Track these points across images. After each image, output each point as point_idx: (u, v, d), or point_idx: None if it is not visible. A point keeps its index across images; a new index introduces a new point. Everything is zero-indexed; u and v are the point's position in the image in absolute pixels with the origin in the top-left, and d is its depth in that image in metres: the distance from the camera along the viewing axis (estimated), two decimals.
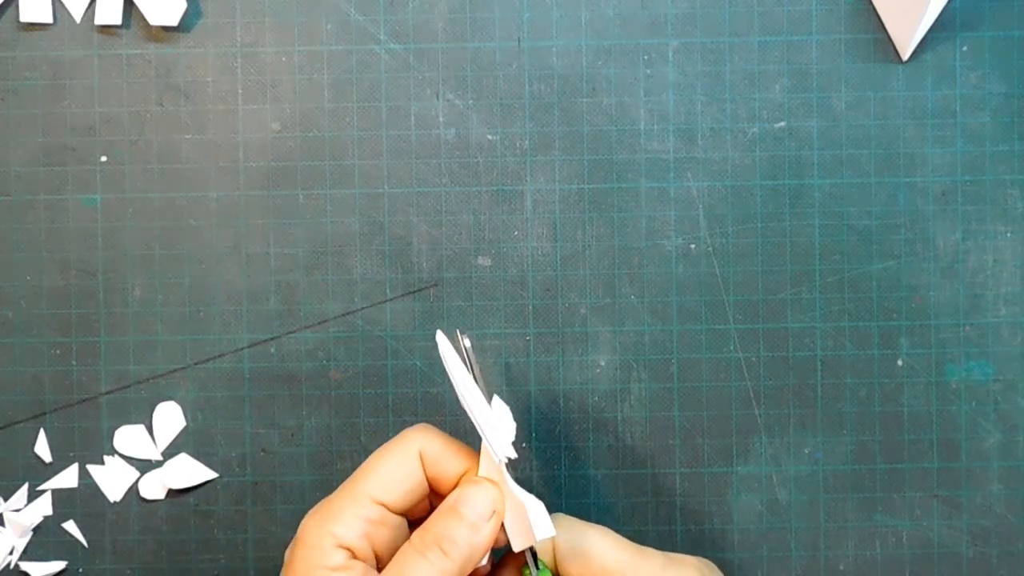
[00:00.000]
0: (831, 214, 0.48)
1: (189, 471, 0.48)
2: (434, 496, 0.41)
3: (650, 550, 0.40)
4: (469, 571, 0.39)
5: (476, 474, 0.40)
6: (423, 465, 0.40)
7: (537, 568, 0.39)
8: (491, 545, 0.39)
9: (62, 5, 0.48)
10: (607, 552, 0.40)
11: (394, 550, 0.39)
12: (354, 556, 0.38)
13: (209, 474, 0.48)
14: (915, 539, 0.48)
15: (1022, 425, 0.48)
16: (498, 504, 0.39)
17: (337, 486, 0.39)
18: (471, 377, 0.40)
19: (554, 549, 0.40)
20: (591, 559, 0.40)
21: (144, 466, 0.48)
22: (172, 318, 0.48)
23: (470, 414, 0.40)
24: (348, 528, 0.38)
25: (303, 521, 0.39)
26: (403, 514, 0.40)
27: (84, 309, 0.48)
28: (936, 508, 0.48)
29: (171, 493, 0.48)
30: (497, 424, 0.40)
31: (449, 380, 0.41)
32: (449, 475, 0.40)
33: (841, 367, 0.48)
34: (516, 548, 0.39)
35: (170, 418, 0.48)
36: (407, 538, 0.40)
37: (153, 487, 0.48)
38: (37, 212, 0.48)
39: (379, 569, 0.39)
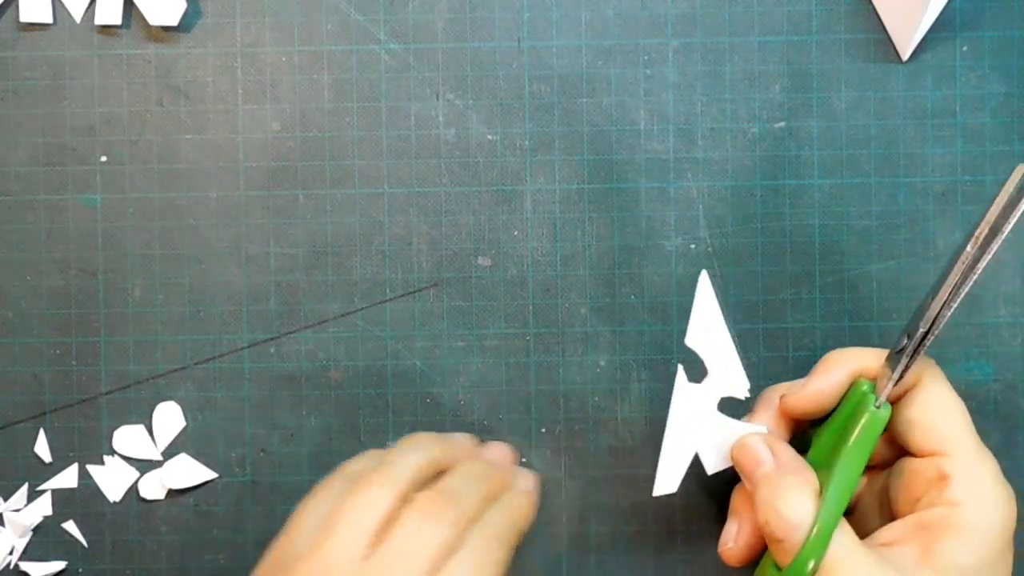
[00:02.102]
0: (831, 214, 0.48)
1: (189, 471, 0.48)
2: None
3: (989, 453, 0.39)
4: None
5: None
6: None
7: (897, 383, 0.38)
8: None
9: (62, 5, 0.48)
10: (962, 420, 0.38)
11: None
12: None
13: (209, 474, 0.48)
14: None
15: (1022, 425, 0.48)
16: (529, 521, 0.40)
17: None
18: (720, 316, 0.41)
19: (918, 382, 0.39)
20: (944, 415, 0.38)
21: (144, 466, 0.48)
22: (172, 318, 0.48)
23: (704, 352, 0.40)
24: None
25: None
26: None
27: (84, 309, 0.48)
28: None
29: (171, 493, 0.48)
30: (735, 365, 0.41)
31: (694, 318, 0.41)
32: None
33: None
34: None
35: (170, 418, 0.48)
36: None
37: (153, 487, 0.48)
38: (37, 212, 0.48)
39: None
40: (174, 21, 0.47)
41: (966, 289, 0.37)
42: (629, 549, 0.48)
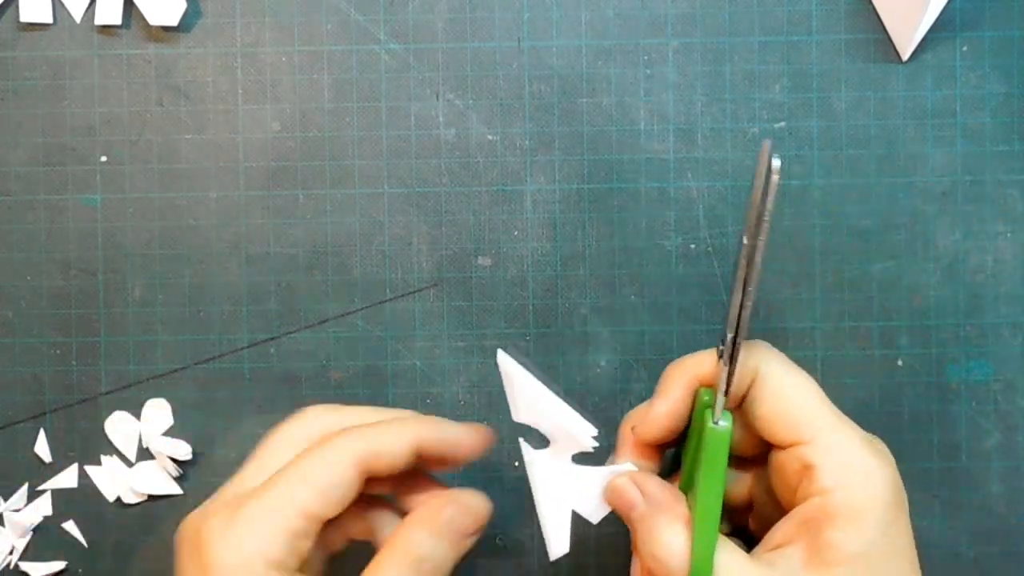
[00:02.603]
0: (831, 214, 0.48)
1: (156, 479, 0.48)
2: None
3: (847, 421, 0.37)
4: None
5: (427, 434, 0.38)
6: (361, 468, 0.37)
7: (727, 394, 0.36)
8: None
9: (62, 5, 0.48)
10: (808, 402, 0.36)
11: (308, 560, 0.36)
12: (283, 571, 0.35)
13: (175, 488, 0.48)
14: (915, 539, 0.48)
15: (1022, 425, 0.48)
16: (483, 516, 0.38)
17: None
18: (539, 384, 0.38)
19: (754, 377, 0.37)
20: (788, 402, 0.36)
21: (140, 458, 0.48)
22: (172, 318, 0.48)
23: (537, 423, 0.38)
24: (276, 543, 0.35)
25: (208, 529, 0.35)
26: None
27: (84, 309, 0.48)
28: (936, 508, 0.48)
29: (171, 494, 0.48)
30: (572, 420, 0.38)
31: (510, 399, 0.39)
32: (397, 463, 0.37)
33: (841, 367, 0.48)
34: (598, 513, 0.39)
35: (159, 415, 0.48)
36: (320, 543, 0.37)
37: (125, 491, 0.48)
38: (37, 212, 0.48)
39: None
40: (174, 21, 0.47)
41: (755, 283, 0.34)
42: (630, 551, 0.48)
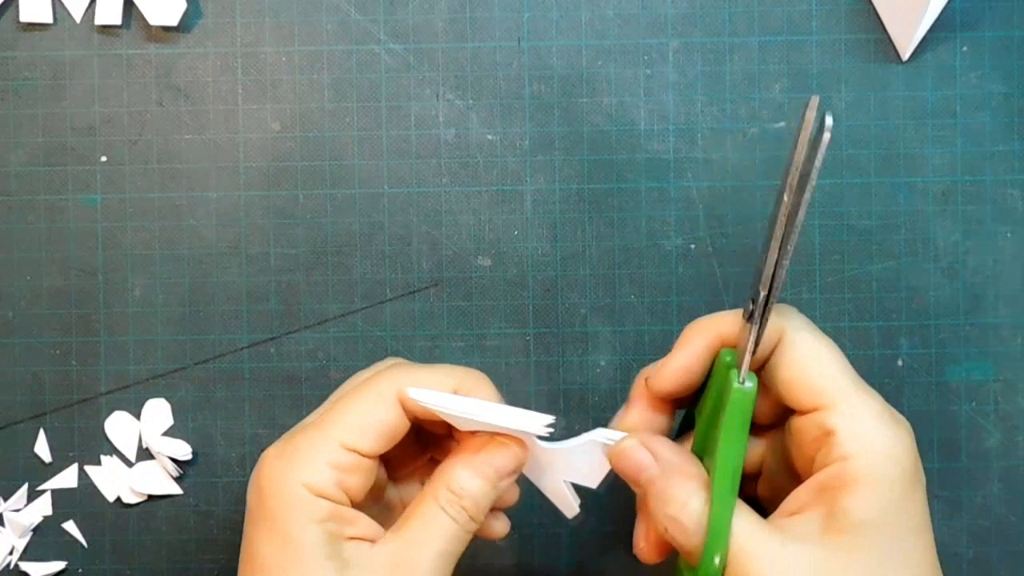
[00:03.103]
0: (831, 214, 0.48)
1: (156, 479, 0.48)
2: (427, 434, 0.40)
3: (869, 389, 0.36)
4: (483, 517, 0.38)
5: (467, 389, 0.38)
6: (405, 407, 0.37)
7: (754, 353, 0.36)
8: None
9: (62, 5, 0.48)
10: (834, 367, 0.36)
11: (367, 490, 0.37)
12: (332, 502, 0.36)
13: (175, 489, 0.48)
14: None
15: (1022, 425, 0.48)
16: (521, 458, 0.38)
17: None
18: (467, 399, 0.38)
19: (781, 339, 0.36)
20: (813, 366, 0.36)
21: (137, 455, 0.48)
22: (172, 318, 0.48)
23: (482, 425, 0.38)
24: (319, 475, 0.36)
25: (262, 464, 0.37)
26: (377, 456, 0.38)
27: (84, 309, 0.48)
28: (936, 508, 0.48)
29: (172, 494, 0.48)
30: (518, 415, 0.38)
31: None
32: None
33: None
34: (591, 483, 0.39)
35: (159, 415, 0.48)
36: (377, 476, 0.38)
37: (125, 491, 0.48)
38: (37, 212, 0.48)
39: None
40: (174, 21, 0.47)
41: (794, 242, 0.34)
42: (630, 548, 0.48)
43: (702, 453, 0.38)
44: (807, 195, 0.33)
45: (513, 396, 0.48)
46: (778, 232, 0.34)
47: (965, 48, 0.48)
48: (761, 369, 0.37)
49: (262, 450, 0.38)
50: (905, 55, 0.47)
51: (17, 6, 0.48)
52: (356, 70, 0.48)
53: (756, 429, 0.39)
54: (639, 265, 0.48)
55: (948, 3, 0.46)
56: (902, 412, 0.47)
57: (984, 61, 0.48)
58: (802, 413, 0.36)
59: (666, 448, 0.37)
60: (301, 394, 0.48)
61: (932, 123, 0.48)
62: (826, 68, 0.48)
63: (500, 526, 0.41)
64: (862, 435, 0.35)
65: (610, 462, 0.38)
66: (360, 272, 0.48)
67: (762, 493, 0.40)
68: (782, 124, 0.48)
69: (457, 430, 0.39)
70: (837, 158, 0.48)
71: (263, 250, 0.48)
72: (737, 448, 0.35)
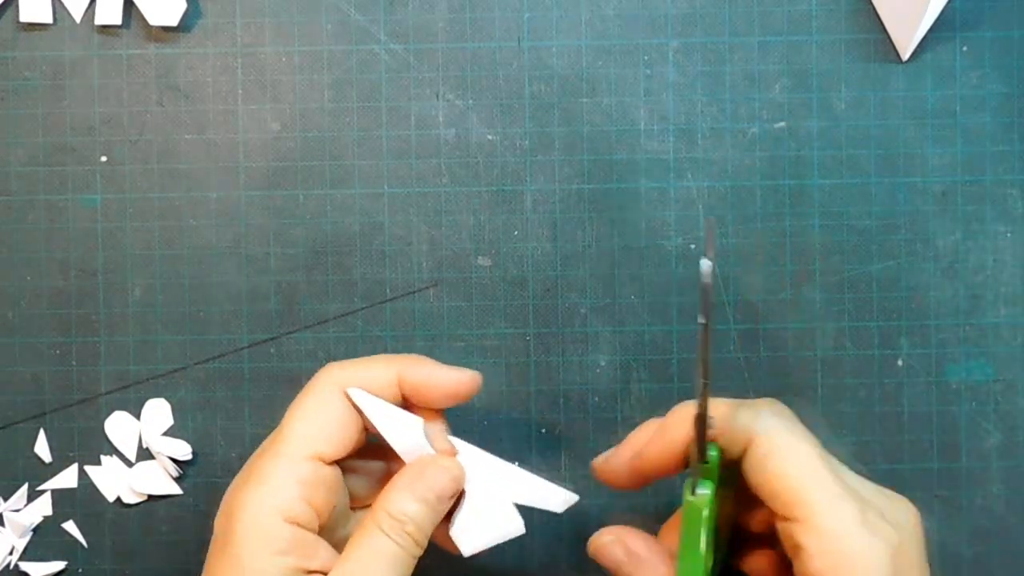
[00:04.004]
0: (831, 214, 0.48)
1: (156, 479, 0.48)
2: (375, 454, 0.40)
3: (853, 489, 0.34)
4: (427, 539, 0.38)
5: (411, 376, 0.39)
6: (349, 402, 0.38)
7: (702, 458, 0.35)
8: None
9: (62, 5, 0.48)
10: (805, 478, 0.33)
11: (332, 505, 0.38)
12: (299, 526, 0.36)
13: (175, 488, 0.48)
14: None
15: (1022, 425, 0.48)
16: (460, 479, 0.39)
17: None
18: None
19: (749, 444, 0.35)
20: (784, 476, 0.34)
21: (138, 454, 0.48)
22: (172, 318, 0.48)
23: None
24: (288, 497, 0.36)
25: (232, 492, 0.37)
26: (337, 462, 0.38)
27: (84, 309, 0.48)
28: (936, 508, 0.48)
29: (172, 494, 0.48)
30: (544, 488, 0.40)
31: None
32: (385, 394, 0.38)
33: (841, 367, 0.48)
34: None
35: (159, 415, 0.48)
36: (344, 496, 0.39)
37: (125, 491, 0.48)
38: (37, 212, 0.48)
39: (319, 530, 0.37)
40: (174, 21, 0.47)
41: (708, 360, 0.34)
42: None
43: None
44: (710, 320, 0.34)
45: (513, 396, 0.48)
46: (702, 353, 0.34)
47: (965, 48, 0.48)
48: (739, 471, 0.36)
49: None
50: (905, 55, 0.47)
51: (17, 6, 0.48)
52: (356, 70, 0.48)
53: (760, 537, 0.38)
54: (639, 265, 0.48)
55: (948, 3, 0.46)
56: (902, 412, 0.48)
57: (984, 61, 0.48)
58: (781, 519, 0.34)
59: (640, 545, 0.38)
60: None
61: (932, 123, 0.48)
62: (826, 68, 0.48)
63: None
64: (830, 556, 0.33)
65: (590, 551, 0.39)
66: (360, 272, 0.48)
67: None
68: (782, 124, 0.48)
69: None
70: (837, 158, 0.48)
71: (263, 250, 0.48)
72: (693, 558, 0.35)
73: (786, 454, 0.34)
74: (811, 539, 0.33)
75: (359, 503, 0.41)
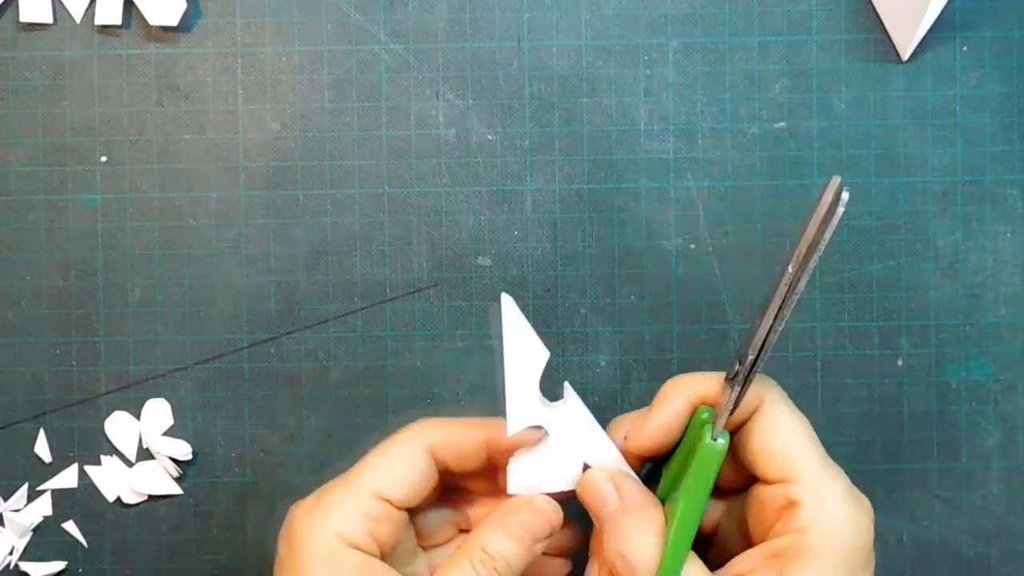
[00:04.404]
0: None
1: (156, 479, 0.48)
2: (457, 499, 0.41)
3: (837, 469, 0.37)
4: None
5: (500, 436, 0.38)
6: (433, 458, 0.38)
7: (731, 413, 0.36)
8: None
9: (62, 5, 0.48)
10: (802, 443, 0.37)
11: (398, 547, 0.38)
12: (364, 553, 0.37)
13: (175, 488, 0.48)
14: (915, 539, 0.48)
15: (1022, 425, 0.48)
16: (555, 522, 0.38)
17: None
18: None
19: (758, 409, 0.37)
20: (783, 441, 0.37)
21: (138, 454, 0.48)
22: (172, 318, 0.48)
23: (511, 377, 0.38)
24: (351, 524, 0.37)
25: (295, 516, 0.38)
26: (408, 509, 0.39)
27: (84, 309, 0.48)
28: (936, 508, 0.48)
29: (172, 494, 0.48)
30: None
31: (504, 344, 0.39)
32: (469, 454, 0.39)
33: (841, 367, 0.48)
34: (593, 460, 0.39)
35: (159, 415, 0.48)
36: (411, 537, 0.39)
37: (126, 491, 0.48)
38: (37, 212, 0.48)
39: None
40: (174, 21, 0.47)
41: (789, 311, 0.35)
42: None
43: (666, 500, 0.38)
44: (811, 266, 0.34)
45: None
46: (776, 301, 0.35)
47: (965, 48, 0.48)
48: (734, 434, 0.38)
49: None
50: (905, 55, 0.47)
51: (17, 6, 0.48)
52: (356, 70, 0.48)
53: (718, 492, 0.39)
54: (639, 265, 0.48)
55: (948, 3, 0.46)
56: (902, 412, 0.48)
57: (984, 61, 0.48)
58: (768, 483, 0.37)
59: (631, 487, 0.38)
60: (301, 394, 0.48)
61: (932, 123, 0.48)
62: (826, 68, 0.48)
63: (560, 568, 0.41)
64: (824, 512, 0.35)
65: (578, 491, 0.39)
66: (360, 272, 0.48)
67: (712, 557, 0.41)
68: (782, 124, 0.48)
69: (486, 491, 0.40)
70: (837, 158, 0.48)
71: (263, 250, 0.48)
72: (699, 500, 0.36)
73: (791, 422, 0.37)
74: (809, 497, 0.36)
75: (427, 541, 0.41)
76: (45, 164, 0.48)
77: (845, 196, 0.33)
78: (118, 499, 0.48)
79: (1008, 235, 0.48)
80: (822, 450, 0.37)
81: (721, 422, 0.36)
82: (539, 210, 0.48)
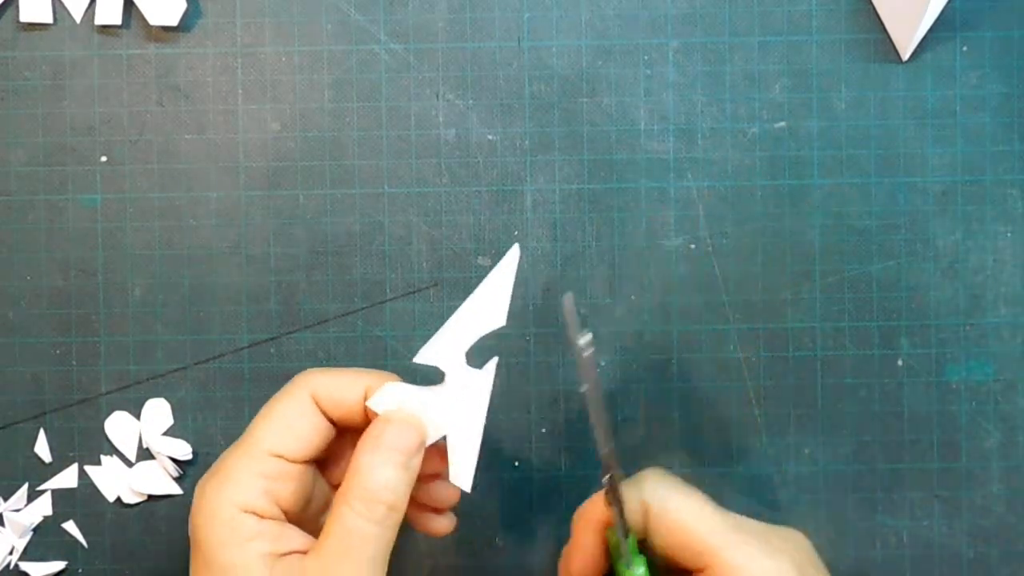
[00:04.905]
0: (831, 214, 0.48)
1: (156, 478, 0.48)
2: (343, 434, 0.40)
3: (748, 525, 0.38)
4: (406, 503, 0.37)
5: (377, 388, 0.38)
6: (320, 408, 0.38)
7: (626, 537, 0.37)
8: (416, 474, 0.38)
9: (62, 5, 0.48)
10: (702, 525, 0.37)
11: (302, 500, 0.38)
12: (261, 518, 0.36)
13: (174, 488, 0.48)
14: (915, 539, 0.48)
15: (1022, 425, 0.48)
16: (422, 430, 0.37)
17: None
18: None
19: (647, 513, 0.38)
20: (683, 530, 0.37)
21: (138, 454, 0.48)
22: (172, 318, 0.48)
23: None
24: (247, 490, 0.36)
25: (198, 488, 0.37)
26: (306, 462, 0.38)
27: (84, 309, 0.48)
28: (936, 508, 0.48)
29: (172, 494, 0.48)
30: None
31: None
32: (351, 403, 0.38)
33: (841, 367, 0.48)
34: (454, 480, 0.38)
35: (159, 415, 0.48)
36: (313, 483, 0.39)
37: (125, 491, 0.48)
38: (37, 212, 0.48)
39: (291, 520, 0.37)
40: (174, 21, 0.47)
41: (607, 429, 0.37)
42: None
43: None
44: (597, 394, 0.37)
45: (513, 396, 0.48)
46: (595, 419, 0.37)
47: (965, 48, 0.48)
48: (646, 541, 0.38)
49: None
50: (905, 55, 0.47)
51: (17, 6, 0.48)
52: (356, 70, 0.48)
53: None
54: (639, 265, 0.48)
55: (948, 3, 0.46)
56: (902, 412, 0.48)
57: (984, 61, 0.48)
58: (694, 572, 0.37)
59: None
60: None
61: (932, 123, 0.48)
62: (826, 68, 0.48)
63: (445, 523, 0.41)
64: None
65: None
66: (360, 272, 0.48)
67: None
68: (782, 124, 0.48)
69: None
70: (837, 158, 0.48)
71: (263, 250, 0.48)
72: None
73: (681, 511, 0.37)
74: (727, 573, 0.36)
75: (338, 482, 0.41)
76: (45, 164, 0.48)
77: (588, 336, 0.37)
78: (118, 499, 0.48)
79: (1008, 235, 0.48)
80: (722, 517, 0.37)
81: (623, 548, 0.37)
82: (539, 210, 0.48)
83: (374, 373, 0.39)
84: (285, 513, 0.37)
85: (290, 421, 0.37)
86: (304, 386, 0.38)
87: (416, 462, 0.38)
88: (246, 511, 0.36)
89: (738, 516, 0.38)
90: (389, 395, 0.38)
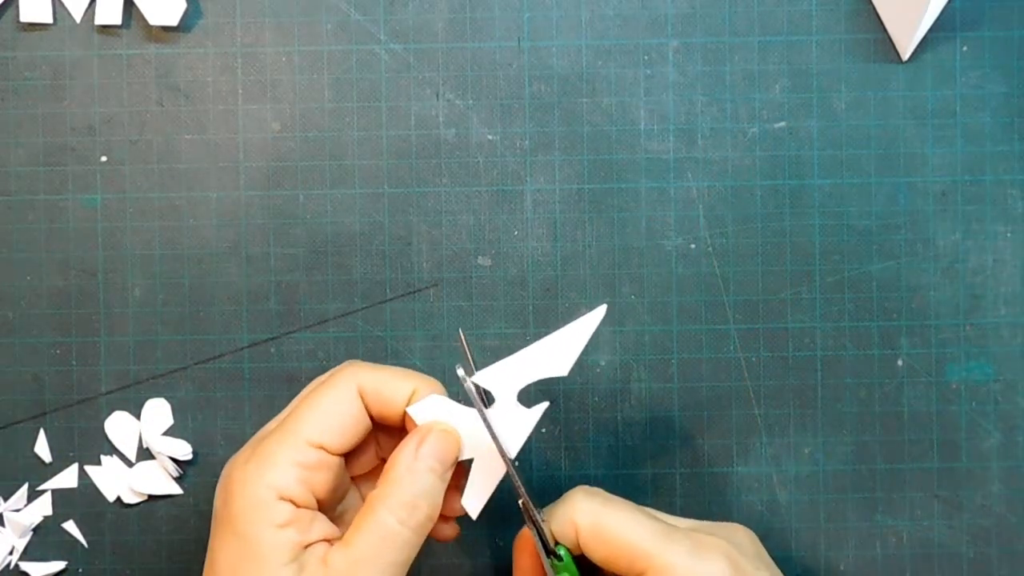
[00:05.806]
0: (831, 214, 0.48)
1: (156, 479, 0.48)
2: (379, 431, 0.40)
3: (679, 529, 0.38)
4: (439, 512, 0.38)
5: (422, 394, 0.39)
6: (364, 401, 0.38)
7: (557, 557, 0.39)
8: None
9: (62, 5, 0.48)
10: (631, 533, 0.38)
11: (333, 491, 0.38)
12: (296, 505, 0.36)
13: (175, 488, 0.48)
14: (915, 539, 0.48)
15: (1022, 425, 0.48)
16: (459, 443, 0.38)
17: None
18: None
19: (576, 529, 0.38)
20: (614, 541, 0.38)
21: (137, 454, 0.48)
22: (172, 318, 0.48)
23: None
24: (285, 475, 0.36)
25: (230, 469, 0.37)
26: (343, 454, 0.38)
27: (84, 309, 0.48)
28: (936, 508, 0.48)
29: (172, 494, 0.48)
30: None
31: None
32: (394, 403, 0.39)
33: (841, 367, 0.48)
34: (469, 508, 0.39)
35: (159, 415, 0.48)
36: (344, 476, 0.39)
37: (125, 491, 0.48)
38: (37, 212, 0.48)
39: (321, 510, 0.38)
40: (174, 21, 0.47)
41: (516, 467, 0.38)
42: None
43: None
44: (503, 443, 0.38)
45: None
46: (498, 448, 0.38)
47: (965, 48, 0.48)
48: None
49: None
50: (905, 55, 0.47)
51: (17, 6, 0.48)
52: (356, 70, 0.48)
53: None
54: (639, 265, 0.48)
55: (948, 3, 0.46)
56: (902, 412, 0.48)
57: (984, 61, 0.48)
58: None
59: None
60: None
61: (932, 123, 0.48)
62: (826, 68, 0.48)
63: (450, 530, 0.41)
64: None
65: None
66: (360, 272, 0.48)
67: None
68: (782, 124, 0.48)
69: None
70: (837, 158, 0.48)
71: (263, 250, 0.48)
72: None
73: (610, 522, 0.38)
74: None
75: (353, 472, 0.41)
76: (45, 164, 0.48)
77: (461, 371, 0.38)
78: (118, 499, 0.48)
79: (1008, 235, 0.48)
80: (654, 523, 0.38)
81: (546, 566, 0.38)
82: (539, 210, 0.48)
83: (420, 377, 0.39)
84: (319, 503, 0.38)
85: (335, 413, 0.38)
86: (351, 379, 0.38)
87: (449, 475, 0.38)
88: (282, 498, 0.36)
89: (674, 519, 0.39)
90: (431, 407, 0.39)
